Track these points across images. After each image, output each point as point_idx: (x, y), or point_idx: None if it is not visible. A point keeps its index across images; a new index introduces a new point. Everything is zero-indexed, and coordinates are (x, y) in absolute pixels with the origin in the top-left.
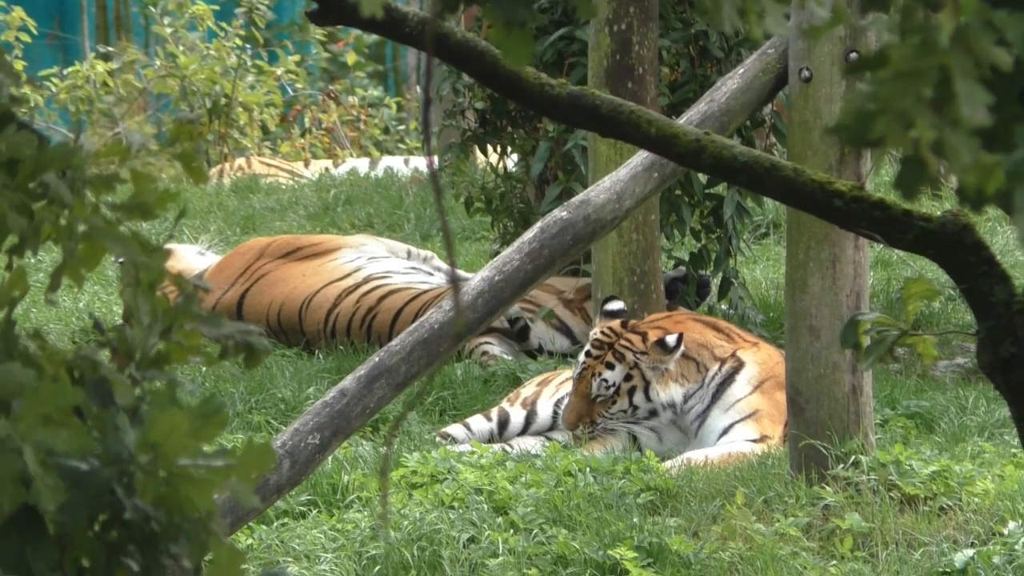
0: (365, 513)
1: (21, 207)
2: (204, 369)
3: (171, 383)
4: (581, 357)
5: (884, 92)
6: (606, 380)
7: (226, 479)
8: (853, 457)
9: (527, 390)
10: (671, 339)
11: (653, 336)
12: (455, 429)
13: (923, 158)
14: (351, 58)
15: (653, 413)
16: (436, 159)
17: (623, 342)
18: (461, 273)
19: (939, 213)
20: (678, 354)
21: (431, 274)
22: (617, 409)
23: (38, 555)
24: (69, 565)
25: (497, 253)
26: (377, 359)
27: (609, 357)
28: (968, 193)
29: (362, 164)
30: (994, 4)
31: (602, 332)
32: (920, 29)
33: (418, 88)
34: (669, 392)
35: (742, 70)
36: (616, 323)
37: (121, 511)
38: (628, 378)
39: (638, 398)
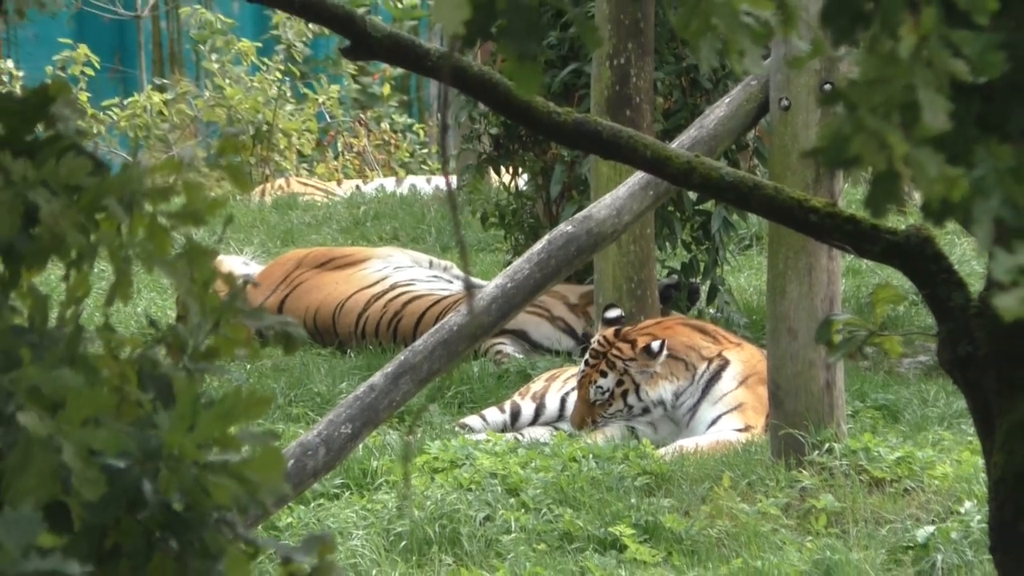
0: (392, 495)
1: (81, 227)
2: (248, 367)
3: (193, 385)
4: (582, 365)
5: (857, 108)
6: (601, 387)
7: (247, 474)
8: (827, 444)
9: (536, 385)
10: (655, 345)
11: (641, 343)
12: (472, 420)
13: (895, 171)
14: (386, 89)
15: (646, 410)
16: (454, 179)
17: (614, 351)
18: (477, 281)
19: (904, 227)
20: (662, 358)
21: (451, 282)
22: (614, 410)
23: (74, 545)
24: (105, 552)
25: (509, 263)
26: (402, 358)
27: (603, 366)
28: (932, 206)
29: (389, 183)
30: (952, 24)
31: (597, 343)
32: (886, 54)
33: (438, 116)
34: (658, 391)
35: (728, 99)
36: (610, 332)
37: (143, 505)
38: (620, 383)
39: (631, 399)
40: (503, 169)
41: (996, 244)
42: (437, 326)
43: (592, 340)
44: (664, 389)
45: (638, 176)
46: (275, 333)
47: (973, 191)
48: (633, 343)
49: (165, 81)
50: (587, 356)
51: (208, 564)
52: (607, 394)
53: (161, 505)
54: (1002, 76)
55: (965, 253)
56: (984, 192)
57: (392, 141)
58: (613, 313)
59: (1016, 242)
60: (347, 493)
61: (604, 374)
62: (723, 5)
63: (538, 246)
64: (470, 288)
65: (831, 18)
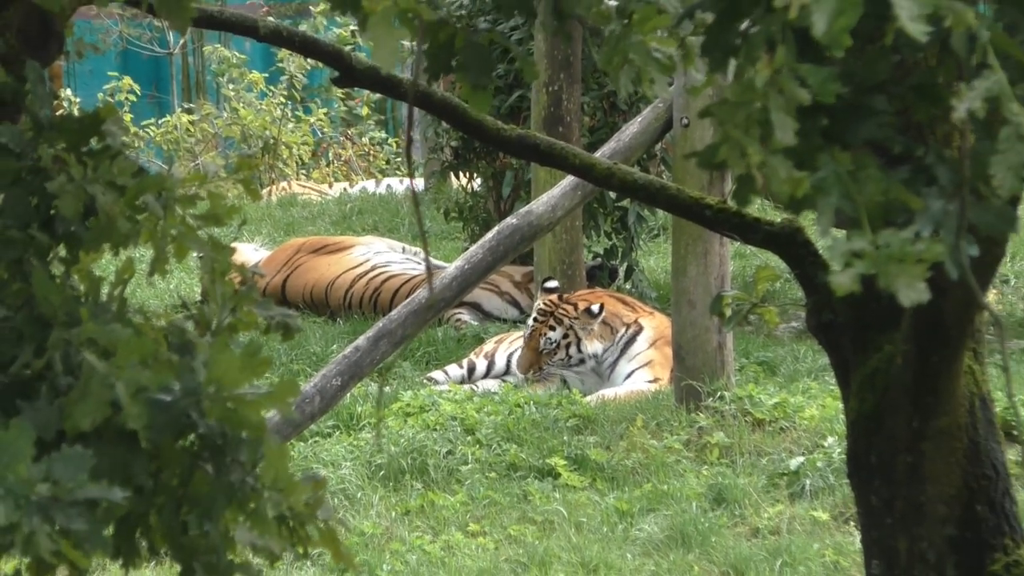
0: (372, 434)
1: (128, 216)
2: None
3: (226, 337)
4: (530, 322)
5: (724, 125)
6: (550, 339)
7: (268, 403)
8: (719, 393)
9: (488, 346)
10: (595, 307)
11: (582, 305)
12: (437, 374)
13: (752, 175)
14: (366, 110)
15: (582, 362)
16: (421, 182)
17: (561, 310)
18: (440, 263)
19: (779, 220)
20: (600, 318)
21: (420, 264)
22: (557, 359)
23: (137, 464)
24: (159, 471)
25: (467, 249)
26: (381, 324)
27: (551, 322)
28: (782, 200)
29: (370, 185)
30: (803, 56)
31: (545, 303)
32: (747, 83)
33: (414, 134)
34: (593, 346)
35: (640, 119)
36: (555, 296)
37: (195, 429)
38: (565, 336)
39: (572, 351)
40: (462, 174)
41: (843, 230)
42: (408, 299)
43: (537, 303)
44: (596, 346)
45: (569, 179)
46: (276, 322)
47: (816, 189)
48: (576, 305)
49: (192, 105)
50: (535, 315)
51: (241, 476)
52: (554, 345)
53: (206, 428)
54: (843, 97)
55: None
56: (825, 190)
57: (371, 152)
58: (551, 284)
59: (853, 230)
60: (337, 433)
61: (553, 328)
62: (638, 44)
63: (489, 235)
64: (430, 269)
65: (708, 50)
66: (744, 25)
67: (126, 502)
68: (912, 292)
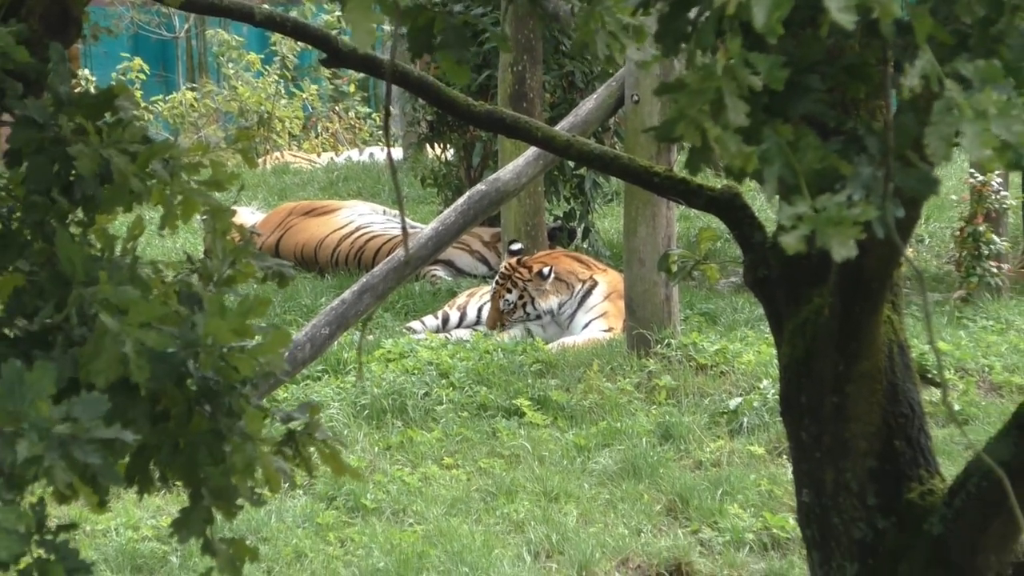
0: (357, 378)
1: (140, 176)
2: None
3: (221, 297)
4: (493, 284)
5: (682, 105)
6: (508, 300)
7: (260, 352)
8: (666, 340)
9: (460, 299)
10: (545, 271)
11: (535, 269)
12: (415, 324)
13: (708, 147)
14: (351, 88)
15: (539, 317)
16: (399, 152)
17: (517, 275)
18: (418, 225)
19: (719, 186)
20: (550, 280)
21: (399, 226)
22: (516, 317)
23: (135, 407)
24: (158, 414)
25: (441, 212)
26: (365, 280)
27: (508, 285)
28: (733, 171)
29: (354, 154)
30: (751, 48)
31: (504, 268)
32: (703, 66)
33: (393, 109)
34: (548, 303)
35: (595, 96)
36: (514, 260)
37: (191, 377)
38: (521, 297)
39: (528, 309)
40: (436, 145)
41: (781, 197)
42: (389, 258)
43: (500, 265)
44: (552, 302)
45: (532, 150)
46: (272, 271)
47: (761, 159)
48: (530, 268)
49: (195, 83)
50: (497, 277)
51: (233, 421)
52: (512, 305)
53: (200, 378)
54: (784, 77)
55: (762, 204)
56: (769, 160)
57: (356, 125)
58: (516, 247)
59: (794, 195)
60: (326, 376)
61: (510, 291)
62: (609, 10)
63: (461, 200)
64: (407, 231)
65: (662, 37)
66: (693, 14)
67: (135, 443)
68: (844, 249)
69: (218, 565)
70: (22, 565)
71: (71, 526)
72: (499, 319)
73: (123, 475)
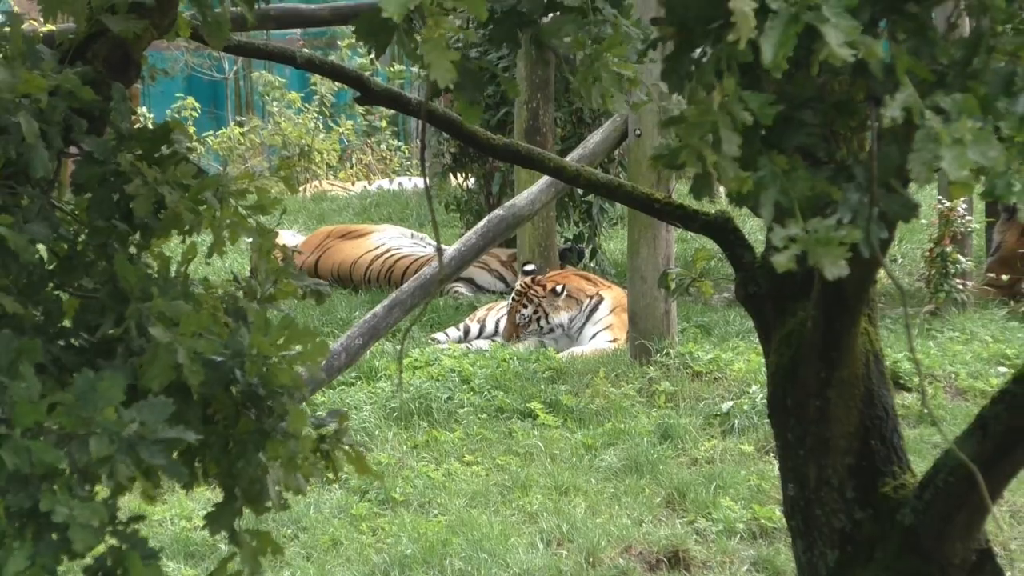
0: (387, 384)
1: (191, 209)
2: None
3: (265, 313)
4: (510, 301)
5: (684, 136)
6: (524, 315)
7: (300, 361)
8: (665, 350)
9: (480, 312)
10: (559, 288)
11: (549, 287)
12: (439, 335)
13: (708, 173)
14: (383, 123)
15: (551, 331)
16: (429, 180)
17: (532, 292)
18: (443, 247)
19: (713, 211)
20: (562, 297)
21: (425, 248)
22: (531, 330)
23: (189, 410)
24: (209, 417)
25: (463, 235)
26: (394, 295)
27: (524, 301)
28: (732, 195)
29: (385, 183)
30: (746, 87)
31: (520, 286)
32: (701, 101)
33: (417, 141)
34: (560, 318)
35: (602, 130)
36: (528, 279)
37: (238, 383)
38: (535, 312)
39: (542, 323)
40: (459, 174)
41: (776, 221)
42: (416, 275)
43: (516, 284)
44: (563, 316)
45: (545, 179)
46: (310, 290)
47: (758, 185)
48: (544, 287)
49: (242, 119)
50: (514, 294)
51: (276, 422)
52: (527, 319)
53: (246, 385)
54: (780, 111)
55: (753, 228)
56: (765, 186)
57: (387, 156)
58: (530, 267)
59: (788, 219)
60: (359, 382)
61: (525, 306)
62: (606, 64)
63: (481, 224)
64: (439, 251)
65: (668, 75)
66: (696, 54)
67: (197, 443)
68: (835, 268)
69: (241, 556)
70: (96, 553)
71: (140, 517)
72: (515, 332)
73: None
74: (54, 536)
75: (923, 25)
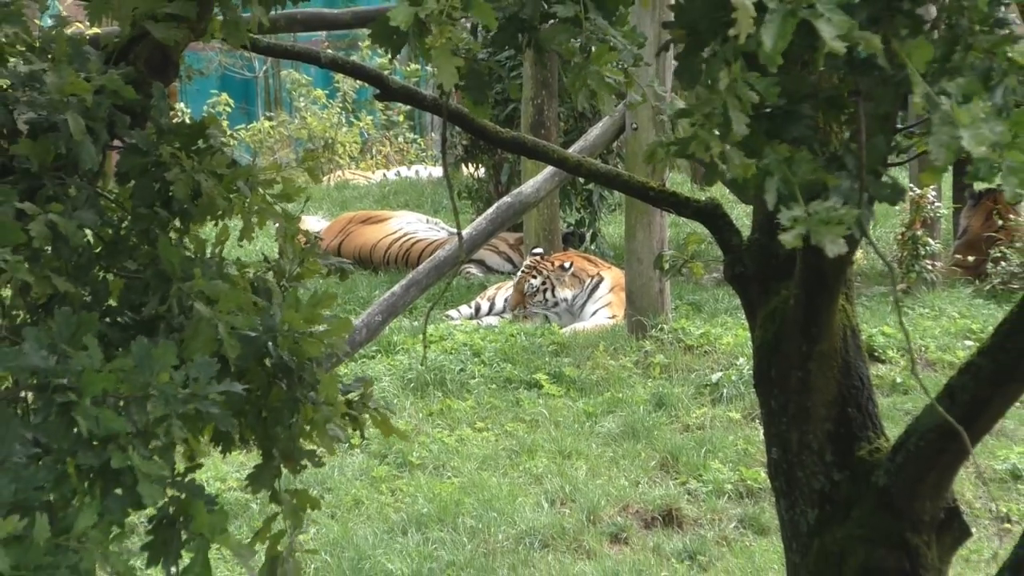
0: (405, 357)
1: (224, 197)
2: (320, 281)
3: (296, 292)
4: (519, 273)
5: (693, 123)
6: (532, 285)
7: (327, 336)
8: (659, 325)
9: (490, 291)
10: (567, 264)
11: (558, 262)
12: (452, 312)
13: (716, 161)
14: (400, 118)
15: (556, 304)
16: (441, 170)
17: (542, 264)
18: (453, 230)
19: (704, 199)
20: (570, 272)
21: (439, 232)
22: (537, 300)
23: (227, 380)
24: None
25: (474, 220)
26: (411, 276)
27: (534, 272)
28: (738, 181)
29: (404, 171)
30: (751, 68)
31: (530, 259)
32: (709, 85)
33: (434, 134)
34: (564, 292)
35: (601, 124)
36: (538, 257)
37: (271, 356)
38: (543, 283)
39: (548, 295)
40: (470, 164)
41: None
42: (432, 257)
43: (526, 260)
44: (567, 292)
45: (549, 169)
46: (334, 268)
47: (763, 172)
48: (553, 262)
49: (272, 114)
50: (523, 268)
51: (306, 391)
52: (535, 289)
53: (278, 357)
54: (780, 105)
55: (740, 215)
56: (769, 173)
57: (404, 148)
58: (537, 250)
59: (790, 203)
60: (379, 355)
61: (535, 277)
62: (594, 72)
63: (490, 210)
64: (459, 235)
65: (680, 73)
66: (706, 53)
67: (246, 393)
68: (835, 246)
69: (283, 512)
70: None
71: (198, 466)
72: (521, 302)
73: (210, 438)
74: (119, 491)
75: (920, 22)
